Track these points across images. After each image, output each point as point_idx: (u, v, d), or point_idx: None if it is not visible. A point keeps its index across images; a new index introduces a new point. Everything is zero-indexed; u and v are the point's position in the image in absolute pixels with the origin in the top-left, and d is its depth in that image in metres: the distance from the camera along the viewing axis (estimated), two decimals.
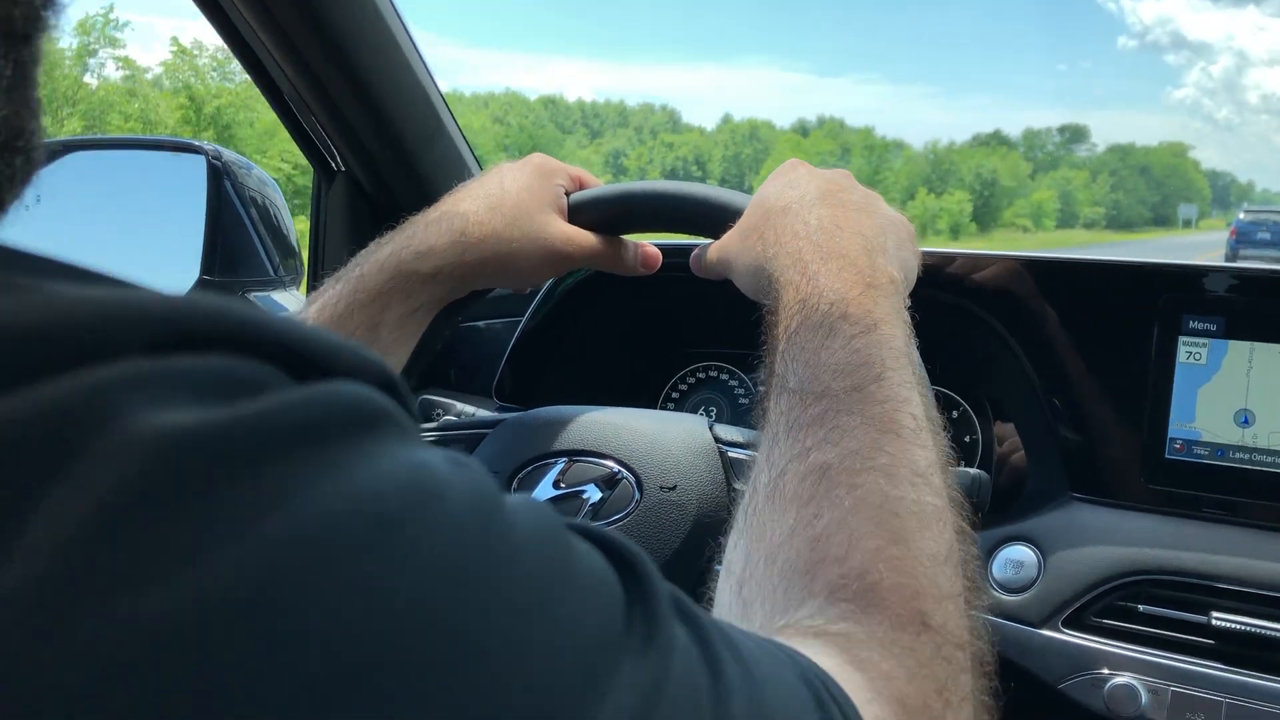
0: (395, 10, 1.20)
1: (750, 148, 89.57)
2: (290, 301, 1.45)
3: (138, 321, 0.26)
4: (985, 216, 76.51)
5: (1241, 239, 28.78)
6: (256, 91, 1.28)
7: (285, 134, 1.32)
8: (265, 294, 1.42)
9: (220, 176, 1.35)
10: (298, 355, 0.29)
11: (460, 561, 0.27)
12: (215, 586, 0.23)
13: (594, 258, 0.91)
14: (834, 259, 0.66)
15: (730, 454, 0.86)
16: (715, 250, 0.83)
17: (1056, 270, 1.05)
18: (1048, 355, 1.04)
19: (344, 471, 0.26)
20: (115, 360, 0.25)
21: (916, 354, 0.65)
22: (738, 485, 0.84)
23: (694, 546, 0.81)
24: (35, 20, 0.34)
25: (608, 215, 0.91)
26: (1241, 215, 31.75)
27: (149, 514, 0.23)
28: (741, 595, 0.51)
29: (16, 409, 0.23)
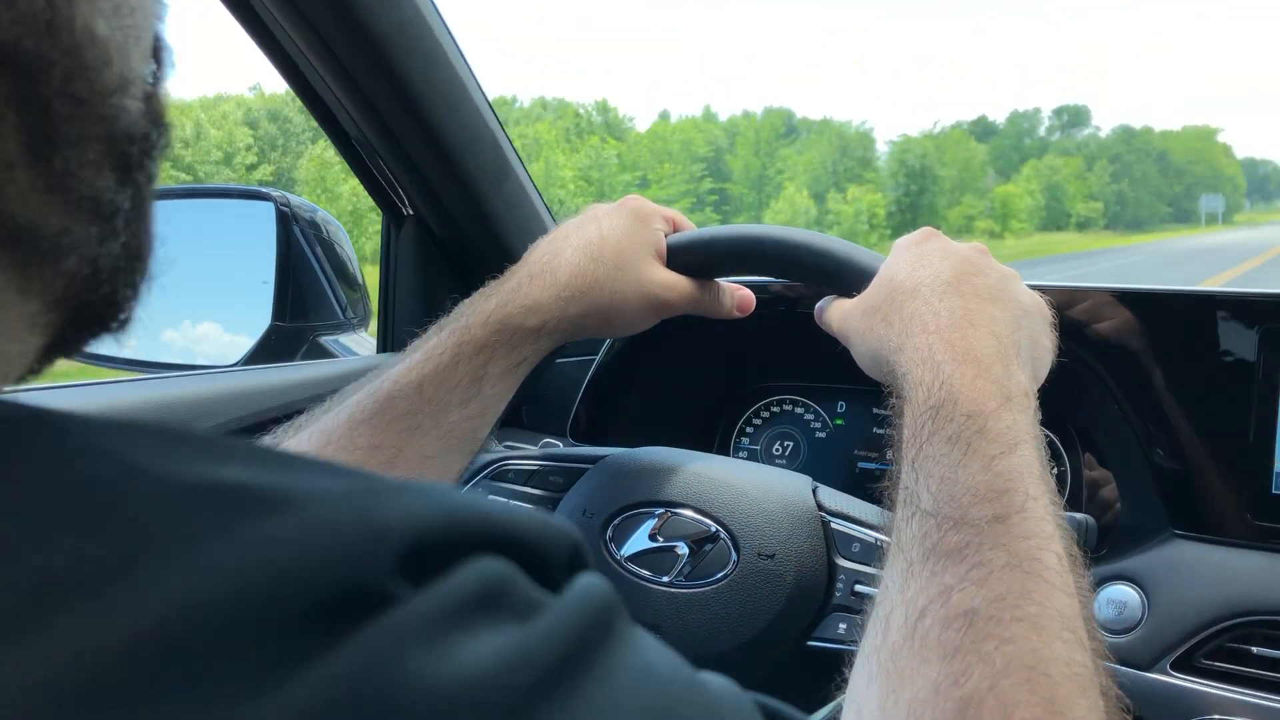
0: (460, 52, 1.20)
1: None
2: (358, 344, 1.45)
3: (384, 547, 0.24)
4: (913, 217, 63.97)
5: None
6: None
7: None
8: (335, 337, 1.43)
9: (289, 222, 1.36)
10: (531, 549, 0.28)
11: None
12: None
13: (694, 304, 0.90)
14: (969, 363, 0.62)
15: (834, 525, 0.84)
16: (837, 318, 0.81)
17: (1150, 303, 1.03)
18: (1142, 388, 1.02)
19: (613, 686, 0.26)
20: (384, 610, 0.23)
21: (1052, 479, 0.61)
22: (839, 559, 0.83)
23: (789, 619, 0.80)
24: (149, 149, 0.34)
25: (713, 259, 0.89)
26: None
27: None
28: None
29: (299, 696, 0.21)
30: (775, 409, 1.34)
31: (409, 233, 1.30)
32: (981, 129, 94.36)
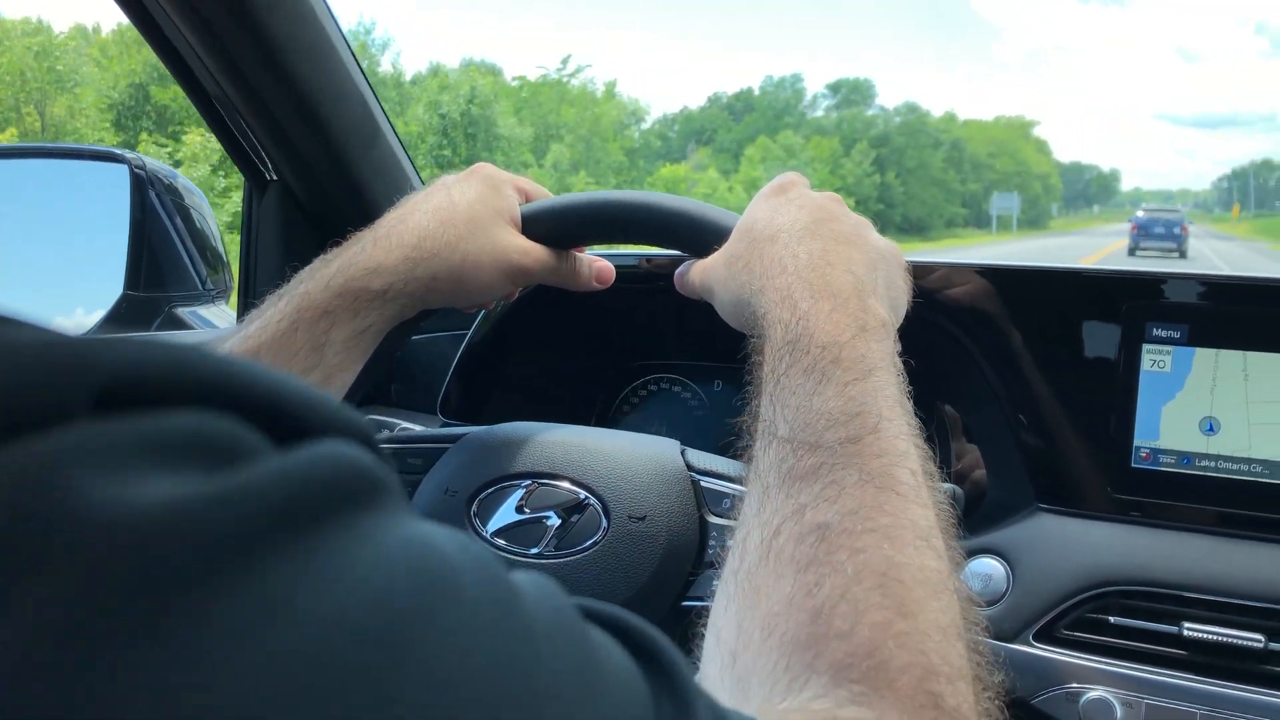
0: (329, 10, 1.15)
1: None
2: (219, 316, 1.38)
3: (82, 374, 0.22)
4: None
5: (1141, 233, 34.34)
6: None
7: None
8: (193, 309, 1.36)
9: (144, 186, 1.29)
10: (272, 409, 0.25)
11: (483, 663, 0.23)
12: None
13: (551, 273, 0.87)
14: (825, 298, 0.63)
15: (703, 483, 0.83)
16: (698, 274, 0.79)
17: (1017, 278, 1.04)
18: (1011, 365, 1.03)
19: (347, 559, 0.23)
20: (61, 425, 0.21)
21: (909, 402, 0.62)
22: (710, 517, 0.81)
23: (663, 580, 0.78)
24: None
25: (569, 227, 0.87)
26: (1140, 213, 37.92)
27: (114, 627, 0.19)
28: (735, 669, 0.48)
29: None
30: (653, 387, 1.32)
31: (272, 198, 1.24)
32: (744, 104, 77.69)
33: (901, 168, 66.30)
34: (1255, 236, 54.63)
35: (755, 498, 0.56)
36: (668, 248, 0.89)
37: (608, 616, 0.31)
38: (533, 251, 0.85)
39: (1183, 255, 31.85)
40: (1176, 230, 34.03)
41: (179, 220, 1.33)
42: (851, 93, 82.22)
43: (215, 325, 1.35)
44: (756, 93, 79.37)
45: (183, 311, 1.33)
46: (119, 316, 1.26)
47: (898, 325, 0.69)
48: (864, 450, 0.54)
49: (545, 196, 0.90)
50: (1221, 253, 34.19)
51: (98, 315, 1.26)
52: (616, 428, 1.31)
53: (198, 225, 1.36)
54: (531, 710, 0.24)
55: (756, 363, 0.65)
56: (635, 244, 0.92)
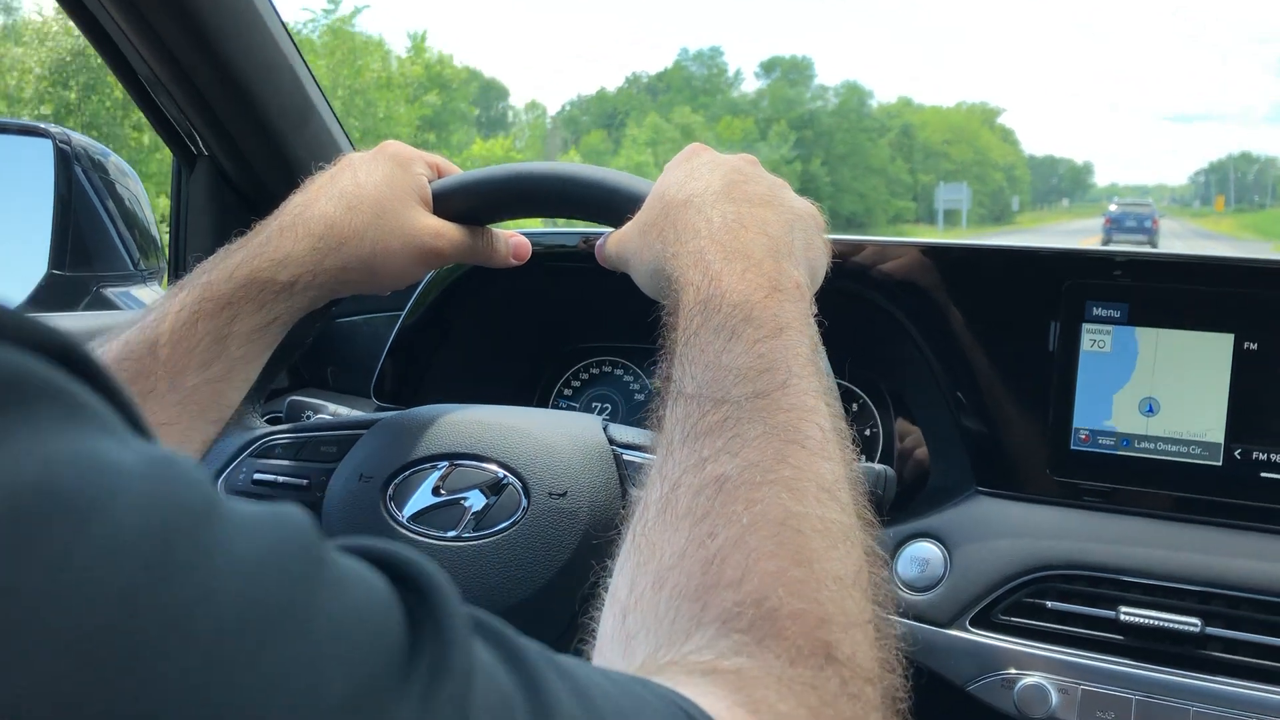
0: None
1: None
2: (151, 297, 1.35)
3: None
4: None
5: (1114, 225, 36.63)
6: None
7: None
8: (124, 289, 1.32)
9: (70, 162, 1.25)
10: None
11: (115, 599, 0.21)
12: None
13: (464, 252, 0.84)
14: (738, 259, 0.61)
15: (626, 457, 0.80)
16: (614, 244, 0.77)
17: (957, 257, 1.02)
18: (950, 345, 1.01)
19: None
20: None
21: (824, 361, 0.61)
22: (634, 492, 0.79)
23: (585, 558, 0.75)
24: None
25: (483, 203, 0.84)
26: (1112, 207, 40.72)
27: None
28: (625, 625, 0.45)
29: None
30: (594, 370, 1.30)
31: (201, 174, 1.21)
32: (666, 84, 67.57)
33: (830, 154, 56.44)
34: (1244, 234, 52.07)
35: (659, 455, 0.54)
36: (584, 219, 0.87)
37: (375, 551, 0.29)
38: (446, 232, 0.82)
39: (1154, 247, 32.30)
40: (1148, 224, 36.28)
41: (109, 200, 1.29)
42: (790, 71, 69.71)
43: (145, 305, 1.31)
44: (670, 68, 69.09)
45: (112, 292, 1.29)
46: (43, 296, 1.22)
47: (815, 288, 0.68)
48: (771, 405, 0.53)
49: (456, 172, 0.87)
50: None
51: (21, 294, 1.22)
52: (558, 409, 1.29)
53: (129, 205, 1.32)
54: (176, 646, 0.21)
55: (669, 325, 0.63)
56: (552, 217, 0.89)
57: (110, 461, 0.22)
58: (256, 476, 0.87)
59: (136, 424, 0.26)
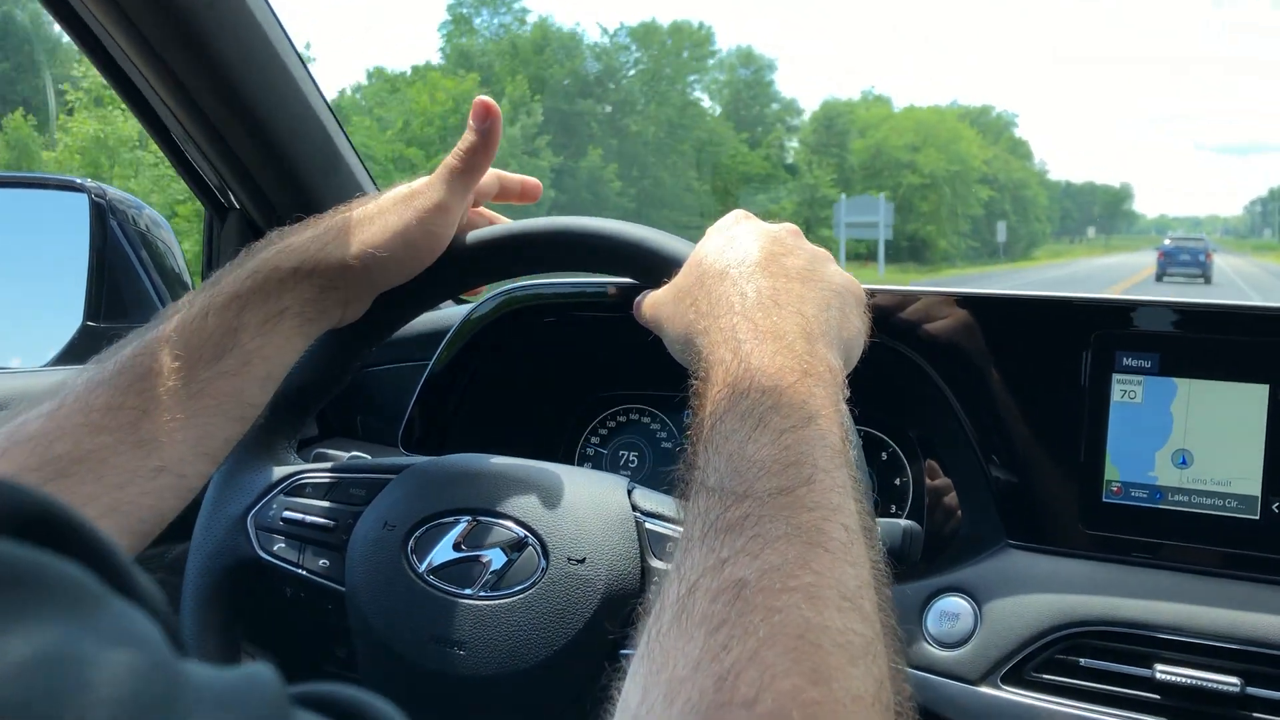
0: (285, 36, 1.13)
1: None
2: None
3: None
4: None
5: (1168, 260, 37.23)
6: None
7: None
8: None
9: (105, 215, 1.27)
10: None
11: None
12: None
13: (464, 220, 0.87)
14: (770, 339, 0.60)
15: (648, 525, 0.79)
16: (649, 306, 0.77)
17: (985, 306, 1.01)
18: (979, 396, 1.00)
19: None
20: None
21: (854, 453, 0.59)
22: (653, 561, 0.78)
23: (598, 629, 0.74)
24: None
25: (520, 253, 0.85)
26: (1167, 241, 42.04)
27: None
28: None
29: None
30: (621, 419, 1.29)
31: (233, 227, 1.23)
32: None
33: (677, 158, 37.44)
34: None
35: (679, 552, 0.53)
36: (623, 277, 0.87)
37: (348, 705, 0.28)
38: (446, 201, 0.83)
39: (1207, 281, 33.85)
40: (1201, 257, 36.55)
41: (142, 250, 1.31)
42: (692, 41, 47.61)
43: None
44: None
45: None
46: (77, 348, 1.24)
47: (849, 369, 0.66)
48: (795, 502, 0.51)
49: (493, 218, 0.89)
50: None
51: (56, 346, 1.24)
52: (583, 459, 1.29)
53: (162, 256, 1.34)
54: None
55: (696, 405, 0.62)
56: (591, 272, 0.90)
57: (80, 655, 0.22)
58: (285, 515, 0.88)
59: (120, 579, 0.26)
